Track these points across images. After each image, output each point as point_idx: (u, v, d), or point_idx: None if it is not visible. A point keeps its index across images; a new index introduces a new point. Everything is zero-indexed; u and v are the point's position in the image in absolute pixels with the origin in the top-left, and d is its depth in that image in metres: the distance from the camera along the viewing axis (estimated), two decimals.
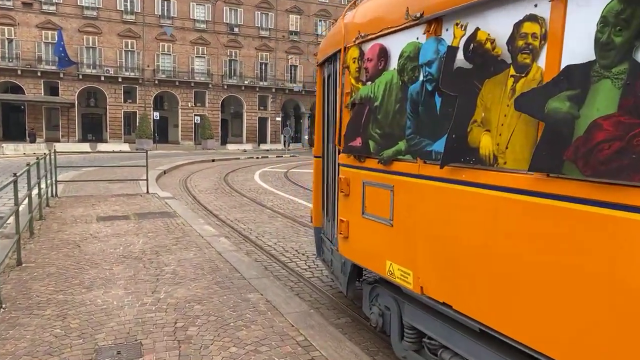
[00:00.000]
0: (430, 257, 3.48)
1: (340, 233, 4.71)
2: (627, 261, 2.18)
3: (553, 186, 2.54)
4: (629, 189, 2.17)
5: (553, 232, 2.54)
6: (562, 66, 2.50)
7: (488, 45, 2.93)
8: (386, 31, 3.95)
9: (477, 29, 3.00)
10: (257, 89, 54.04)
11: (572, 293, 2.44)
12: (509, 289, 2.83)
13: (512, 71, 2.79)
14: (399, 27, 3.79)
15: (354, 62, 4.35)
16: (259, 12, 53.49)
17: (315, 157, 6.26)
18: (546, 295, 2.58)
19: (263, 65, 54.53)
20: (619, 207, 2.21)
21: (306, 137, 55.96)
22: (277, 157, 37.28)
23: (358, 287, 5.10)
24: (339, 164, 4.83)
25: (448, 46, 3.21)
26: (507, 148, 2.82)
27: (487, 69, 2.94)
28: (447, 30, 3.32)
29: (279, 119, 55.11)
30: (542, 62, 2.63)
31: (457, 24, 3.16)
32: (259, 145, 52.45)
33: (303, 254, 8.06)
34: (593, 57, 2.31)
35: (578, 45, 2.41)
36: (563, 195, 2.48)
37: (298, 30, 55.38)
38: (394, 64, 3.88)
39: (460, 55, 3.13)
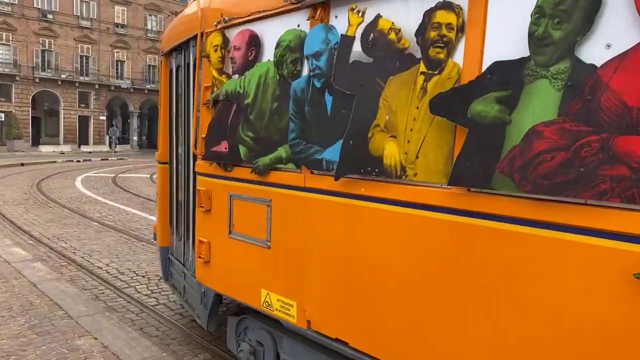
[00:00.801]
0: (321, 285, 2.93)
1: (200, 256, 3.91)
2: (574, 289, 1.89)
3: (477, 203, 2.18)
4: (575, 207, 1.88)
5: (479, 258, 2.17)
6: (485, 63, 2.15)
7: (392, 36, 2.49)
8: (257, 15, 3.30)
9: (379, 15, 2.54)
10: (77, 84, 48.15)
11: (507, 332, 2.09)
12: (421, 324, 2.42)
13: (422, 67, 2.38)
14: (274, 12, 3.17)
15: (216, 50, 3.61)
16: (79, 0, 47.93)
17: (161, 163, 5.30)
18: (477, 333, 2.20)
19: (84, 59, 48.79)
20: (564, 229, 1.91)
21: (135, 138, 51.79)
22: (102, 160, 33.54)
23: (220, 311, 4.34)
24: (196, 173, 4.02)
25: (342, 35, 2.70)
26: (417, 157, 2.40)
27: (391, 64, 2.50)
28: (336, 17, 2.81)
29: (103, 117, 49.91)
30: (459, 57, 2.26)
31: (352, 9, 2.67)
32: (79, 147, 46.82)
33: (143, 276, 6.93)
34: (527, 53, 1.99)
35: (505, 38, 2.08)
36: (491, 214, 2.13)
37: (125, 23, 50.95)
38: (268, 54, 3.25)
39: (357, 46, 2.64)
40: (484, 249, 2.15)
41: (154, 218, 11.06)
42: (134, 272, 7.13)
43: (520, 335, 2.04)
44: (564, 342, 1.92)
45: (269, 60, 3.24)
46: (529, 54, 1.98)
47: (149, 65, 52.04)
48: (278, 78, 3.14)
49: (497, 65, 2.07)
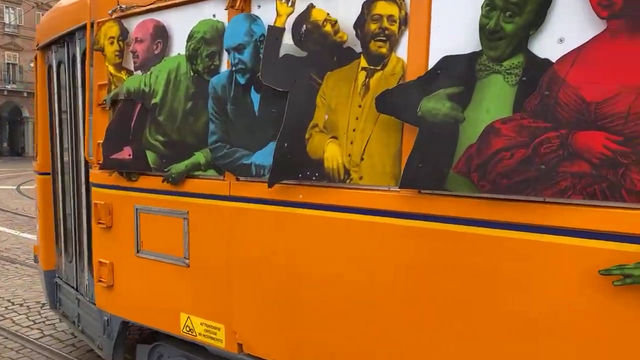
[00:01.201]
0: (254, 305, 2.64)
1: (101, 280, 3.39)
2: (538, 290, 1.84)
3: (429, 206, 2.06)
4: (534, 205, 1.83)
5: (435, 263, 2.06)
6: (431, 58, 2.04)
7: (328, 28, 2.29)
8: (163, 4, 2.91)
9: (311, 5, 2.33)
10: None
11: (471, 339, 2.00)
12: (374, 339, 2.25)
13: (363, 63, 2.22)
14: (183, 0, 2.81)
15: (112, 42, 3.13)
16: None
17: (40, 173, 4.57)
18: (438, 345, 2.08)
19: None
20: (524, 229, 1.85)
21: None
22: None
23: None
24: (91, 184, 3.48)
25: (269, 27, 2.44)
26: (362, 159, 2.23)
27: (328, 58, 2.30)
28: (259, 7, 2.55)
29: None
30: (402, 52, 2.13)
31: None
32: None
33: (21, 304, 5.98)
34: (478, 48, 1.90)
35: (453, 32, 1.98)
36: (445, 217, 2.02)
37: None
38: (179, 47, 2.87)
39: (288, 39, 2.40)
40: (439, 253, 2.04)
41: (30, 236, 9.79)
42: (9, 300, 6.14)
43: (485, 340, 1.96)
44: (528, 343, 1.87)
45: (179, 54, 2.87)
46: (480, 49, 1.90)
47: (9, 64, 46.39)
48: (192, 74, 2.78)
49: (447, 60, 1.97)
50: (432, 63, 2.03)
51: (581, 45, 1.72)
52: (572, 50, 1.73)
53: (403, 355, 2.17)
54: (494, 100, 1.87)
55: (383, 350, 2.22)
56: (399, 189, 2.12)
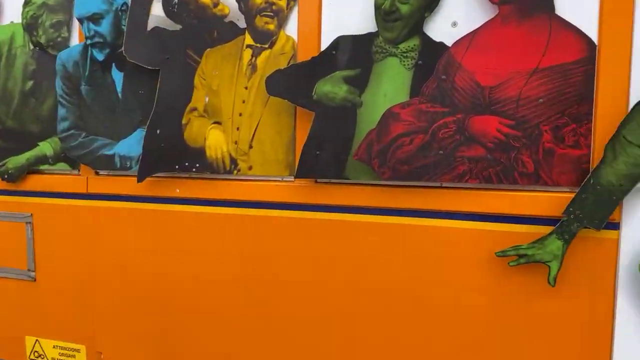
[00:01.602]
0: (122, 319, 2.27)
1: None
2: (437, 274, 1.83)
3: (326, 195, 1.93)
4: (431, 191, 1.80)
5: (334, 254, 1.94)
6: (324, 38, 1.91)
7: None
8: None
9: None
10: None
11: (374, 329, 1.92)
12: (275, 339, 2.07)
13: (248, 40, 2.00)
14: None
15: None
16: None
17: None
18: (340, 337, 1.96)
19: None
20: (421, 214, 1.82)
21: None
22: None
23: None
24: None
25: None
26: (251, 147, 2.02)
27: (207, 33, 2.03)
28: None
29: None
30: (292, 29, 1.96)
31: None
32: None
33: None
34: (374, 29, 1.82)
35: (346, 10, 1.87)
36: (343, 206, 1.91)
37: None
38: (12, 14, 2.33)
39: (158, 9, 2.07)
40: (338, 244, 1.93)
41: None
42: None
43: (392, 326, 1.90)
44: (431, 327, 1.85)
45: (12, 22, 2.34)
46: (376, 30, 1.81)
47: None
48: (32, 47, 2.28)
49: (342, 41, 1.85)
50: (325, 43, 1.89)
51: (475, 30, 1.72)
52: (466, 35, 1.72)
53: (303, 342, 2.02)
54: (391, 83, 1.80)
55: (286, 341, 2.05)
56: (293, 179, 1.95)
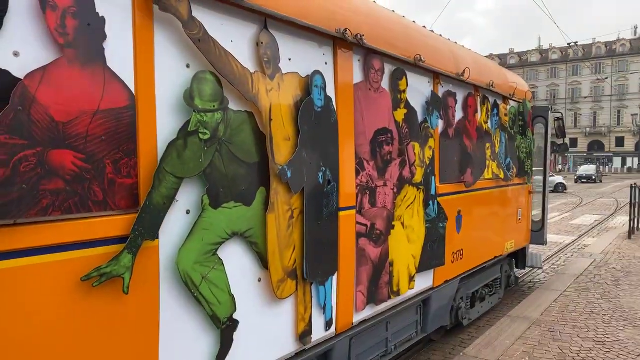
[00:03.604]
0: None
1: None
2: (26, 310, 1.69)
3: None
4: (6, 229, 1.67)
5: None
6: None
7: None
8: None
9: None
10: None
11: None
12: None
13: None
14: None
15: None
16: None
17: None
18: None
19: None
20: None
21: None
22: None
23: None
24: None
25: None
26: None
27: None
28: None
29: None
30: None
31: None
32: None
33: None
34: None
35: None
36: None
37: None
38: None
39: None
40: None
41: None
42: None
43: None
44: None
45: None
46: None
47: None
48: None
49: None
50: None
51: (46, 65, 1.75)
52: (38, 69, 1.73)
53: None
54: None
55: None
56: None
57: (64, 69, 1.81)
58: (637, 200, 11.67)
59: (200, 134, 2.27)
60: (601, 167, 51.21)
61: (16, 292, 1.69)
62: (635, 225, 11.70)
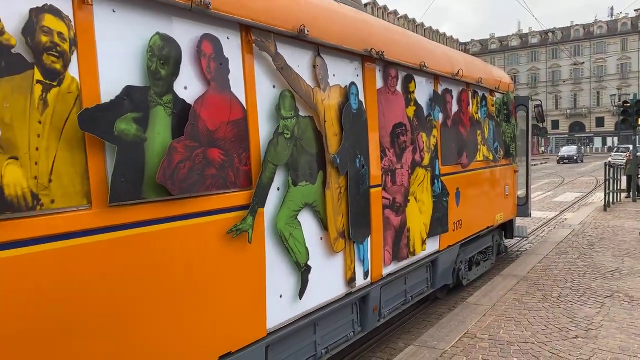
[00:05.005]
0: None
1: None
2: (204, 253, 2.67)
3: (122, 216, 2.31)
4: (200, 199, 2.64)
5: (140, 266, 2.34)
6: (102, 83, 2.28)
7: None
8: None
9: None
10: None
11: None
12: None
13: (38, 75, 2.01)
14: None
15: None
16: None
17: None
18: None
19: None
20: (186, 217, 2.61)
21: None
22: None
23: None
24: None
25: None
26: (51, 181, 2.03)
27: None
28: None
29: None
30: (75, 72, 2.17)
31: None
32: None
33: None
34: (148, 84, 2.42)
35: (121, 65, 2.34)
36: (138, 222, 2.37)
37: None
38: None
39: None
40: (140, 255, 2.35)
41: None
42: None
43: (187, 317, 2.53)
44: (201, 297, 2.66)
45: None
46: (149, 84, 2.42)
47: None
48: None
49: (130, 90, 2.32)
50: (103, 87, 2.26)
51: (203, 94, 2.71)
52: (199, 97, 2.68)
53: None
54: (161, 125, 2.48)
55: None
56: (89, 207, 2.18)
57: (211, 95, 2.76)
58: (611, 176, 12.85)
59: (285, 134, 3.23)
60: (582, 147, 52.82)
61: (190, 241, 2.65)
62: (611, 200, 12.89)
